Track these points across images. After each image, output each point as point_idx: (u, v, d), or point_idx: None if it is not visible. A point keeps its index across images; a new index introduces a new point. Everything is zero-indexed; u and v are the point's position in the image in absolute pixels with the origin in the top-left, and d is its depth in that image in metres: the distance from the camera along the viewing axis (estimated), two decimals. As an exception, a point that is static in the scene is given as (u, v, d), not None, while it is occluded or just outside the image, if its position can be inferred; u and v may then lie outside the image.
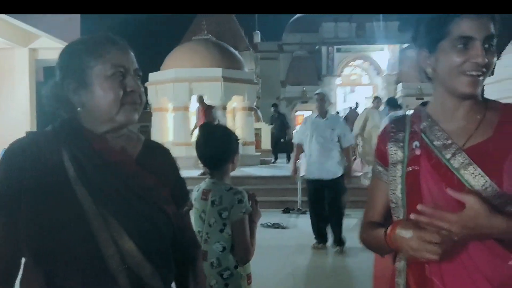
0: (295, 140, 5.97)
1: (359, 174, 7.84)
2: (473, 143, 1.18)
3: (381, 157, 1.34)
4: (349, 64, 24.40)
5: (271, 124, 13.79)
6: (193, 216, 2.00)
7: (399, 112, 7.68)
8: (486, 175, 1.12)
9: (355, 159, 7.83)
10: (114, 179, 1.11)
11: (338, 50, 23.52)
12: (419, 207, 1.08)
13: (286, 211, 7.91)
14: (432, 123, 1.24)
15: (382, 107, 8.88)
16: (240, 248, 1.91)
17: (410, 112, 1.41)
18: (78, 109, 1.15)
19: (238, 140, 2.08)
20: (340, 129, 5.47)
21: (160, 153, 1.29)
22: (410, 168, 1.22)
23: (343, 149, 5.49)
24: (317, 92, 5.78)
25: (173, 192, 1.21)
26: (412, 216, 1.09)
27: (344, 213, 5.63)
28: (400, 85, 22.45)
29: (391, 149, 1.29)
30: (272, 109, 14.15)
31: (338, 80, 24.45)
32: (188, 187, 1.35)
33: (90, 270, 1.06)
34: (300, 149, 5.78)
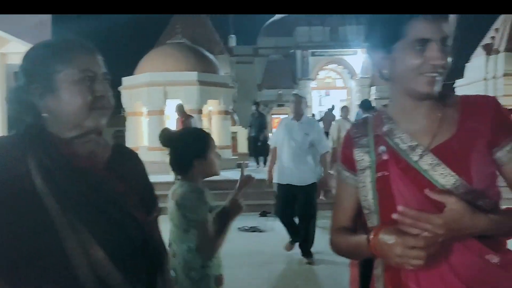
0: (271, 143, 5.74)
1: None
2: (439, 142, 1.17)
3: (347, 162, 1.32)
4: (324, 67, 24.67)
5: (250, 125, 13.20)
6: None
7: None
8: (456, 173, 1.12)
9: (331, 173, 7.77)
10: (82, 186, 1.07)
11: (313, 54, 23.74)
12: (401, 209, 1.07)
13: (263, 214, 7.91)
14: (394, 126, 1.23)
15: (351, 115, 8.87)
16: (203, 247, 1.89)
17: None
18: (44, 114, 1.11)
19: (206, 142, 2.03)
20: (314, 135, 5.15)
21: (129, 158, 1.26)
22: (379, 174, 1.21)
23: (320, 156, 5.20)
24: (293, 93, 5.68)
25: (142, 198, 1.18)
26: (395, 216, 1.07)
27: (315, 225, 5.35)
28: (373, 88, 22.80)
29: (358, 154, 1.28)
30: (253, 107, 13.34)
31: (313, 84, 24.67)
32: (164, 192, 1.32)
33: (59, 281, 1.02)
34: (276, 153, 5.46)
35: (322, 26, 23.85)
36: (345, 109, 8.87)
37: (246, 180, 2.07)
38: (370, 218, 1.26)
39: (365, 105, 8.53)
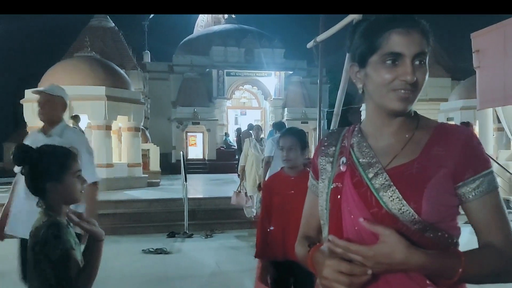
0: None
1: (247, 206, 7.83)
2: (397, 163, 1.11)
3: (313, 170, 1.31)
4: (239, 87, 24.99)
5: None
6: None
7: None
8: (405, 199, 1.06)
9: (239, 191, 7.81)
10: None
11: (228, 74, 23.96)
12: (330, 237, 1.04)
13: (171, 235, 7.70)
14: (362, 139, 1.19)
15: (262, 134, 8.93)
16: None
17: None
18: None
19: (63, 162, 1.76)
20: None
21: None
22: (334, 185, 1.17)
23: None
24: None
25: None
26: (325, 243, 1.04)
27: None
28: (286, 109, 23.51)
29: (321, 163, 1.26)
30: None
31: (228, 103, 24.87)
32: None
33: None
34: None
35: (238, 47, 24.25)
36: (256, 128, 8.97)
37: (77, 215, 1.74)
38: (323, 230, 1.23)
39: (278, 126, 8.72)
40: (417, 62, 1.09)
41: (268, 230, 2.95)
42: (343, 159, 1.19)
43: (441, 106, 14.35)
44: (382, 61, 1.10)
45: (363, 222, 1.04)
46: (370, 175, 1.12)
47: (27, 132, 11.06)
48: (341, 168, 1.18)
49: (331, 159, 1.24)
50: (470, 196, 1.09)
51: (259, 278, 3.02)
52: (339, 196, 1.15)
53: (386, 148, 1.15)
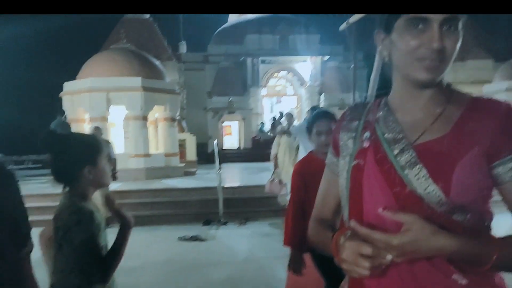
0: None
1: (282, 194, 7.77)
2: (425, 139, 1.02)
3: (334, 146, 1.21)
4: (274, 75, 24.86)
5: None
6: None
7: None
8: (432, 178, 0.97)
9: (273, 179, 7.75)
10: None
11: (263, 62, 23.88)
12: (351, 223, 0.97)
13: (207, 223, 7.77)
14: (388, 113, 1.10)
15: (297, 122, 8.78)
16: (93, 271, 1.64)
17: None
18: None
19: (97, 147, 1.79)
20: None
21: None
22: (355, 162, 1.09)
23: None
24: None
25: (12, 230, 1.01)
26: (351, 223, 0.98)
27: None
28: (322, 95, 23.20)
29: (342, 139, 1.16)
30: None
31: (263, 91, 24.80)
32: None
33: None
34: None
35: (272, 34, 24.07)
36: (289, 116, 8.82)
37: (109, 197, 1.80)
38: (344, 211, 1.14)
39: (315, 110, 8.49)
40: (445, 28, 0.98)
41: (300, 217, 2.85)
42: (367, 134, 1.10)
43: (485, 88, 13.77)
44: (407, 26, 1.00)
45: (383, 212, 0.96)
46: (396, 152, 1.03)
47: (68, 124, 11.43)
48: (364, 144, 1.09)
49: (353, 134, 1.14)
50: (507, 177, 0.98)
51: (290, 268, 2.95)
52: (359, 174, 1.07)
53: (414, 122, 1.05)
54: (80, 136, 1.84)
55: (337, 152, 1.19)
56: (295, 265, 2.90)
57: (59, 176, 1.76)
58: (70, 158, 1.72)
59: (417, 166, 0.99)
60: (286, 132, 7.60)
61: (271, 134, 19.68)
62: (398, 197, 0.99)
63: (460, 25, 1.00)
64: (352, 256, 0.95)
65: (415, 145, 1.02)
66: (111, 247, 1.74)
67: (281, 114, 17.59)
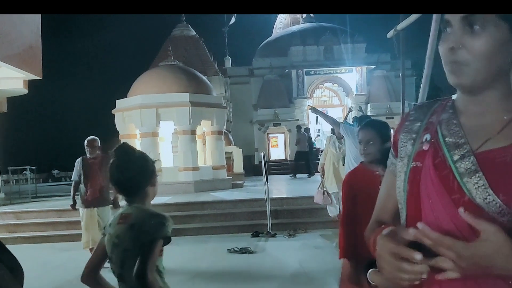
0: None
1: (331, 204, 7.64)
2: (489, 147, 0.95)
3: (394, 147, 1.17)
4: (319, 86, 24.74)
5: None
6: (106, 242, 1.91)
7: None
8: (492, 188, 0.91)
9: (322, 190, 7.63)
10: None
11: (308, 73, 23.86)
12: (419, 225, 0.89)
13: (255, 234, 7.78)
14: (452, 116, 1.04)
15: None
16: (140, 267, 1.76)
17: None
18: None
19: (154, 168, 2.02)
20: None
21: None
22: (413, 164, 1.04)
23: None
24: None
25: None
26: (419, 226, 0.89)
27: None
28: (369, 105, 22.83)
29: (402, 140, 1.12)
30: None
31: (309, 102, 24.73)
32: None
33: None
34: None
35: (316, 45, 24.03)
36: (337, 126, 8.68)
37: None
38: (401, 214, 1.09)
39: (360, 120, 8.36)
40: (467, 28, 0.93)
41: (353, 229, 2.79)
42: (427, 136, 1.04)
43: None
44: (442, 32, 1.00)
45: (463, 214, 0.87)
46: (455, 157, 0.97)
47: (119, 140, 11.86)
48: (424, 146, 1.04)
49: (414, 136, 1.09)
50: None
51: (348, 279, 2.88)
52: (417, 178, 1.02)
53: (479, 128, 0.99)
54: (144, 158, 2.00)
55: (396, 153, 1.15)
56: (353, 277, 2.83)
57: (126, 192, 1.96)
58: (139, 178, 1.95)
59: (477, 175, 0.93)
60: (334, 142, 7.54)
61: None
62: (456, 204, 0.94)
63: (489, 24, 0.92)
64: (393, 262, 0.90)
65: (476, 152, 0.96)
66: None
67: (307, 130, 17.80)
